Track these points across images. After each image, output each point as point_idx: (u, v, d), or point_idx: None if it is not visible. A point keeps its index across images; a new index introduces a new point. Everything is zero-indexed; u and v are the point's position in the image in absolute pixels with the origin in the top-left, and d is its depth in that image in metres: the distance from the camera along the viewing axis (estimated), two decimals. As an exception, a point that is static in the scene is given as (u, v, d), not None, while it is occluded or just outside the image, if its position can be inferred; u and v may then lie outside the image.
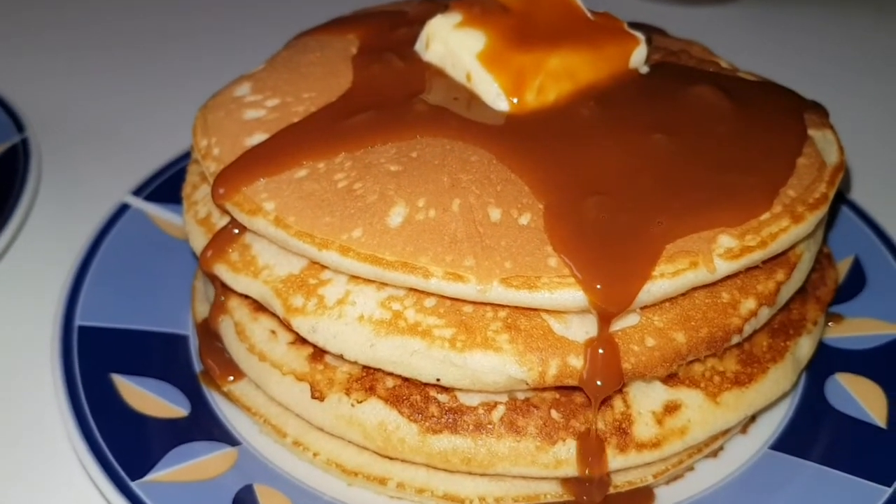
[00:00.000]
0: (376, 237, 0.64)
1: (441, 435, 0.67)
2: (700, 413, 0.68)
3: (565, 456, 0.66)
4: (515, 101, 0.73)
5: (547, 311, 0.64)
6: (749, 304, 0.67)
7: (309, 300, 0.67)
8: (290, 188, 0.69)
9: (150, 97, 1.26)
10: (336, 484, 0.72)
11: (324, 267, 0.68)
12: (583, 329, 0.64)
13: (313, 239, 0.65)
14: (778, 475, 0.72)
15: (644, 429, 0.67)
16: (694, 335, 0.65)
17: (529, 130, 0.71)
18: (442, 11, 0.79)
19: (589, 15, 0.78)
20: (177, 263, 0.89)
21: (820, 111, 0.80)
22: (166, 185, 0.97)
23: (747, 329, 0.67)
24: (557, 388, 0.67)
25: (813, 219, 0.68)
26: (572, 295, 0.61)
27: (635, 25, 0.81)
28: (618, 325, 0.64)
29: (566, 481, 0.69)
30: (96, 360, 0.78)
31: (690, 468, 0.74)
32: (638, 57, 0.78)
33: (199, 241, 0.76)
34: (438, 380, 0.64)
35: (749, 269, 0.67)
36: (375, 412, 0.68)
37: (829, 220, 0.87)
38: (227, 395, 0.77)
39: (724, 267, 0.63)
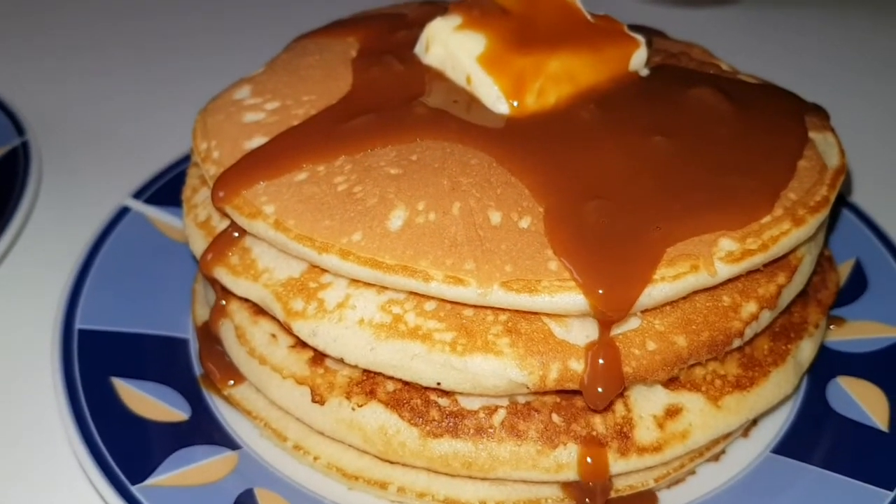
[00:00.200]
0: (376, 241, 0.64)
1: (442, 439, 0.67)
2: (701, 417, 0.68)
3: (566, 460, 0.66)
4: (515, 103, 0.73)
5: (547, 314, 0.64)
6: (750, 307, 0.67)
7: (309, 304, 0.67)
8: (289, 191, 0.69)
9: (150, 100, 1.26)
10: (336, 488, 0.72)
11: (324, 270, 0.68)
12: (583, 333, 0.64)
13: (313, 242, 0.65)
14: (780, 479, 0.72)
15: (645, 433, 0.67)
16: (695, 339, 0.65)
17: (529, 133, 0.71)
18: (442, 14, 0.78)
19: (589, 17, 0.78)
20: (177, 267, 0.89)
21: (821, 113, 0.79)
22: (166, 189, 0.96)
23: (748, 332, 0.67)
24: (558, 392, 0.67)
25: (814, 222, 0.68)
26: (573, 298, 0.61)
27: (635, 28, 0.81)
28: (619, 329, 0.64)
29: (567, 485, 0.69)
30: (96, 364, 0.78)
31: (692, 472, 0.74)
32: (638, 59, 0.78)
33: (199, 244, 0.76)
34: (439, 384, 0.64)
35: (750, 273, 0.67)
36: (376, 416, 0.68)
37: (830, 223, 0.87)
38: (228, 399, 0.77)
39: (725, 270, 0.63)
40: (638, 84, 0.77)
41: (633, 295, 0.61)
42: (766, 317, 0.68)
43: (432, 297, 0.65)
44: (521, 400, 0.68)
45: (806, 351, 0.75)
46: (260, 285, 0.69)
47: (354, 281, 0.66)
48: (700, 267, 0.63)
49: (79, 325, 0.81)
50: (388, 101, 0.75)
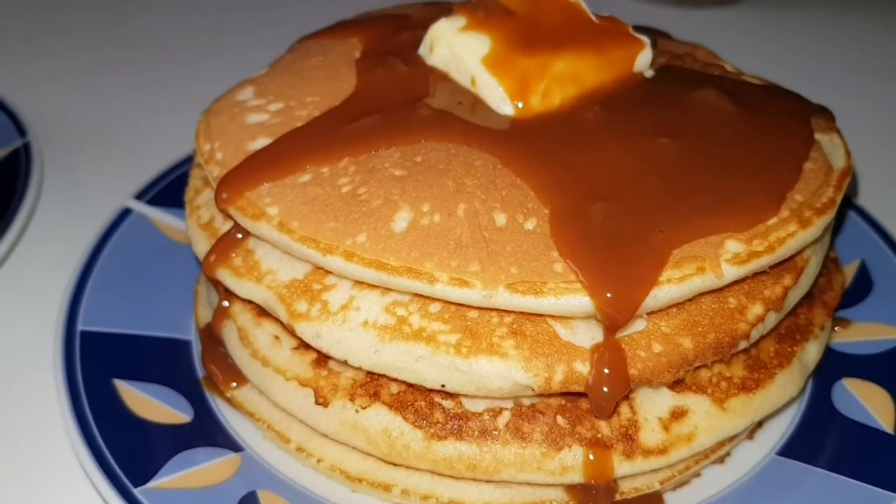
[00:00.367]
0: (381, 242, 0.64)
1: (446, 441, 0.66)
2: (707, 419, 0.68)
3: (571, 462, 0.66)
4: (520, 105, 0.73)
5: (553, 316, 0.64)
6: (756, 309, 0.67)
7: (313, 305, 0.67)
8: (293, 193, 0.68)
9: (153, 101, 1.25)
10: (340, 490, 0.72)
11: (328, 272, 0.67)
12: (589, 335, 0.64)
13: (317, 244, 0.65)
14: (785, 481, 0.72)
15: (651, 435, 0.66)
16: (701, 341, 0.64)
17: (534, 134, 0.71)
18: (446, 15, 0.78)
19: (594, 18, 0.78)
20: (179, 268, 0.89)
21: (826, 115, 0.79)
22: (169, 190, 0.96)
23: (754, 334, 0.67)
24: (563, 394, 0.66)
25: (820, 223, 0.68)
26: (578, 300, 0.61)
27: (640, 29, 0.81)
28: (624, 331, 0.63)
29: (572, 488, 0.69)
30: (98, 365, 0.78)
31: (697, 474, 0.73)
32: (643, 60, 0.78)
33: (202, 245, 0.75)
34: (443, 386, 0.64)
35: (756, 275, 0.66)
36: (380, 418, 0.67)
37: (836, 225, 0.87)
38: (231, 401, 0.77)
39: (731, 272, 0.63)
40: (643, 85, 0.77)
41: (638, 297, 0.61)
42: (772, 319, 0.68)
43: (437, 299, 0.64)
44: (526, 402, 0.67)
45: (811, 353, 0.75)
46: (263, 287, 0.69)
47: (358, 283, 0.66)
48: (706, 269, 0.62)
49: (81, 326, 0.81)
50: (392, 103, 0.74)
